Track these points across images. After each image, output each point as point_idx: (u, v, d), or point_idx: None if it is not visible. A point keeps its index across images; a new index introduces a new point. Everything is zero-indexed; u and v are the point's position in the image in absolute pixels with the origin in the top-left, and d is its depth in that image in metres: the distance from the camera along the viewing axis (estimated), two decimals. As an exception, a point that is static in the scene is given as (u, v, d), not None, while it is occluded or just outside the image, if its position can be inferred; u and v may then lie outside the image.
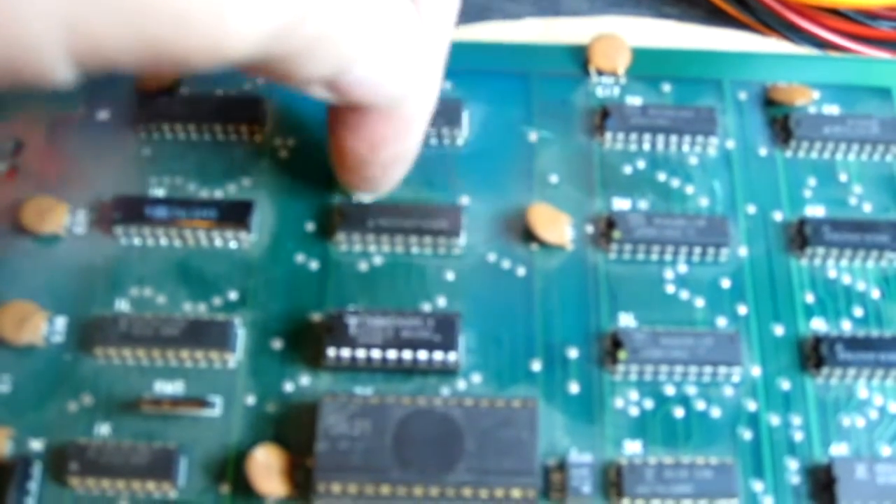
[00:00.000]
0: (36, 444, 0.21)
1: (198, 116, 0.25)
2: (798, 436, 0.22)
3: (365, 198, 0.24)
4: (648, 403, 0.22)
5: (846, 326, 0.23)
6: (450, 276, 0.23)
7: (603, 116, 0.25)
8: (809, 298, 0.23)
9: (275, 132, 0.25)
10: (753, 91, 0.26)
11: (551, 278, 0.23)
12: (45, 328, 0.23)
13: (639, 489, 0.21)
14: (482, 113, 0.25)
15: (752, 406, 0.22)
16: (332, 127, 0.22)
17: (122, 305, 0.23)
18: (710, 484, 0.21)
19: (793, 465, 0.21)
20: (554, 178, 0.25)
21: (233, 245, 0.24)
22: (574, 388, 0.22)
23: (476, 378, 0.22)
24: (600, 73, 0.26)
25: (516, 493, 0.20)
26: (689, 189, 0.25)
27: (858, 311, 0.23)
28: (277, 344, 0.23)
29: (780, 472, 0.21)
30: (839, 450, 0.22)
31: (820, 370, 0.22)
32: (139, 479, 0.21)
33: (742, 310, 0.23)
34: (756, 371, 0.22)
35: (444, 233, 0.23)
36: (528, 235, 0.24)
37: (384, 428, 0.21)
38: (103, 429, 0.22)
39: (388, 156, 0.22)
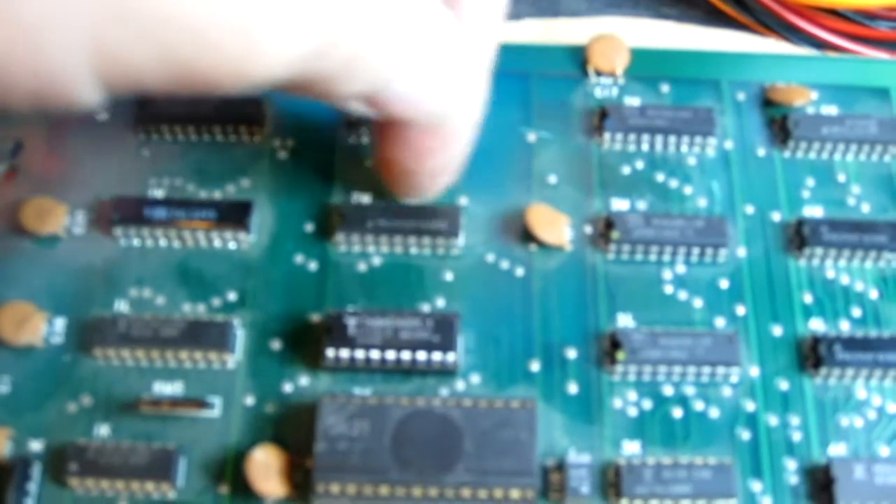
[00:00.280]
0: (35, 445, 0.22)
1: (197, 117, 0.25)
2: (796, 436, 0.22)
3: (364, 198, 0.24)
4: (647, 404, 0.22)
5: (844, 327, 0.23)
6: (448, 276, 0.23)
7: (601, 117, 0.25)
8: (808, 299, 0.23)
9: (274, 133, 0.25)
10: (752, 91, 0.26)
11: (550, 279, 0.23)
12: (44, 329, 0.23)
13: (637, 489, 0.21)
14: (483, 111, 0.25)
15: (750, 406, 0.22)
16: (376, 137, 0.22)
17: (122, 306, 0.23)
18: (708, 484, 0.21)
19: (791, 465, 0.22)
20: (553, 179, 0.25)
21: (232, 246, 0.24)
22: (573, 388, 0.22)
23: (475, 378, 0.22)
24: (599, 73, 0.26)
25: (515, 493, 0.20)
26: (688, 189, 0.25)
27: (857, 312, 0.23)
28: (276, 344, 0.23)
29: (779, 472, 0.21)
30: (837, 450, 0.22)
31: (818, 370, 0.22)
32: (138, 480, 0.21)
33: (740, 310, 0.23)
34: (754, 371, 0.22)
35: (443, 233, 0.23)
36: (527, 236, 0.24)
37: (383, 428, 0.21)
38: (102, 429, 0.22)
39: (434, 166, 0.22)
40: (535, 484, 0.20)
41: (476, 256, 0.24)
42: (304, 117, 0.25)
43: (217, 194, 0.24)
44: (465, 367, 0.22)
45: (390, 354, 0.22)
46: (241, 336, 0.23)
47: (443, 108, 0.21)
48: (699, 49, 0.27)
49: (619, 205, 0.24)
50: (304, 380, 0.22)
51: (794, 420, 0.22)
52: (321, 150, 0.25)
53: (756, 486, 0.21)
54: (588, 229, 0.24)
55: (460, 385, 0.22)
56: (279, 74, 0.16)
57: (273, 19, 0.15)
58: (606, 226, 0.24)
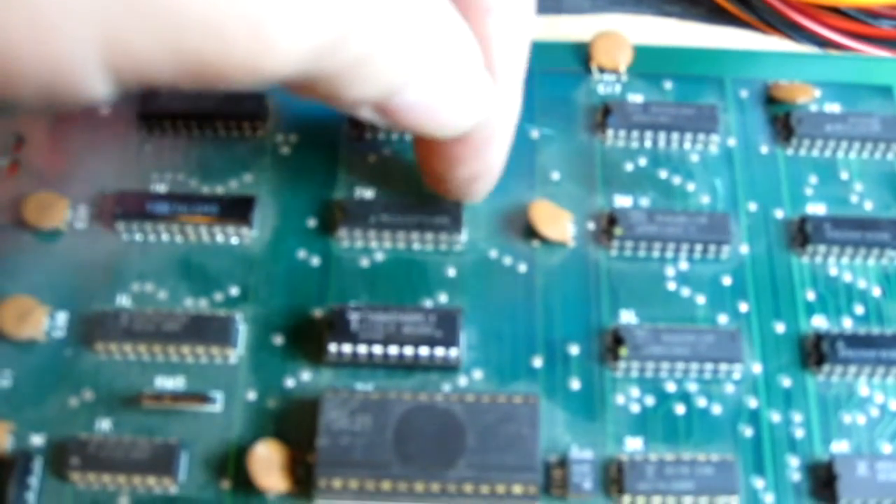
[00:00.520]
0: (37, 439, 0.21)
1: (199, 112, 0.25)
2: (799, 433, 0.22)
3: (367, 193, 0.24)
4: (649, 400, 0.22)
5: (847, 324, 0.23)
6: (451, 272, 0.23)
7: (604, 114, 0.25)
8: (810, 296, 0.23)
9: (276, 128, 0.25)
10: (755, 89, 0.26)
11: (553, 275, 0.23)
12: (46, 323, 0.23)
13: (640, 486, 0.21)
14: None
15: (752, 403, 0.22)
16: (414, 142, 0.22)
17: (124, 301, 0.23)
18: (711, 481, 0.21)
19: (794, 462, 0.21)
20: (556, 175, 0.25)
21: (234, 241, 0.24)
22: (575, 384, 0.22)
23: (477, 374, 0.22)
24: (602, 70, 0.26)
25: (517, 489, 0.20)
26: (691, 186, 0.25)
27: (859, 309, 0.23)
28: (279, 339, 0.23)
29: (781, 469, 0.21)
30: (840, 447, 0.22)
31: (821, 367, 0.22)
32: (140, 475, 0.21)
33: (743, 307, 0.23)
34: (757, 368, 0.22)
35: (446, 229, 0.23)
36: (530, 232, 0.24)
37: (385, 423, 0.21)
38: (104, 424, 0.22)
39: (466, 174, 0.22)
40: (538, 479, 0.20)
41: (479, 252, 0.24)
42: (306, 113, 0.25)
43: (219, 189, 0.24)
44: (468, 362, 0.22)
45: (393, 350, 0.22)
46: (243, 331, 0.23)
47: (460, 121, 0.20)
48: (702, 47, 0.27)
49: (622, 201, 0.24)
50: (306, 375, 0.22)
51: (797, 417, 0.22)
52: (324, 145, 0.25)
53: (759, 482, 0.21)
54: (591, 226, 0.24)
55: (463, 381, 0.22)
56: (290, 70, 0.16)
57: (285, 13, 0.15)
58: (609, 222, 0.24)
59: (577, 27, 0.29)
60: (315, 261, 0.24)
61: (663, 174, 0.25)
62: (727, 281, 0.23)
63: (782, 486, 0.21)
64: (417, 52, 0.18)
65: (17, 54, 0.14)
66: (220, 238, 0.24)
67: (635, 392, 0.22)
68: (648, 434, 0.22)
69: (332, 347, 0.22)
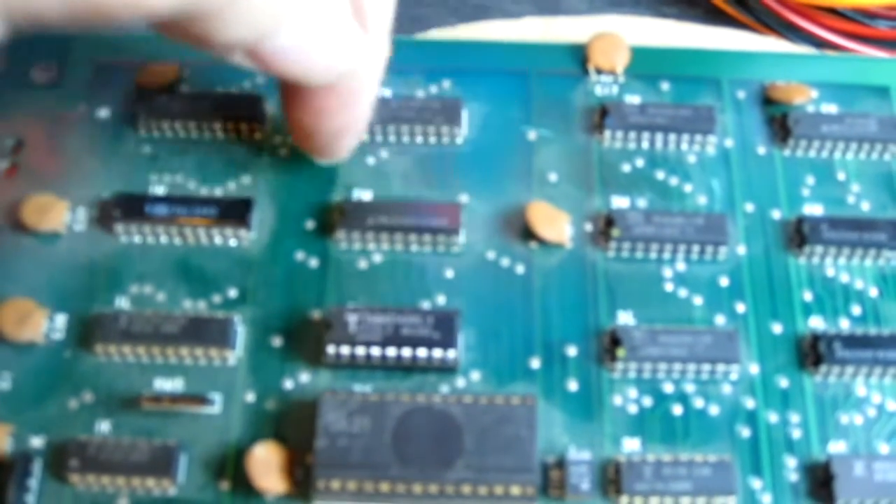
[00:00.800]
0: (36, 441, 0.22)
1: (198, 114, 0.25)
2: (796, 433, 0.22)
3: (365, 195, 0.24)
4: (647, 401, 0.22)
5: (844, 324, 0.23)
6: (449, 273, 0.23)
7: (602, 115, 0.25)
8: (808, 296, 0.23)
9: (275, 130, 0.25)
10: (752, 90, 0.26)
11: (550, 276, 0.23)
12: (45, 325, 0.23)
13: (637, 486, 0.21)
14: (481, 111, 0.26)
15: (750, 404, 0.22)
16: (281, 96, 0.22)
17: (123, 303, 0.23)
18: (708, 481, 0.21)
19: (791, 462, 0.22)
20: (553, 177, 0.25)
21: (233, 243, 0.24)
22: (573, 385, 0.22)
23: (475, 375, 0.22)
24: (599, 71, 0.26)
25: (515, 490, 0.20)
26: (688, 187, 0.25)
27: (856, 310, 0.23)
28: (277, 341, 0.23)
29: (779, 469, 0.21)
30: (837, 447, 0.22)
31: (818, 368, 0.22)
32: (139, 476, 0.21)
33: (740, 308, 0.23)
34: (754, 369, 0.23)
35: (444, 231, 0.23)
36: (528, 233, 0.24)
37: (383, 425, 0.21)
38: (103, 426, 0.22)
39: (334, 126, 0.22)
40: (536, 480, 0.20)
41: (477, 254, 0.24)
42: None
43: (218, 191, 0.24)
44: (466, 364, 0.22)
45: (391, 351, 0.22)
46: (241, 333, 0.23)
47: (330, 67, 0.20)
48: (699, 48, 0.27)
49: (620, 202, 0.24)
50: (304, 376, 0.22)
51: (794, 417, 0.22)
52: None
53: (756, 483, 0.21)
54: (588, 227, 0.24)
55: (461, 382, 0.22)
56: (170, 5, 0.16)
57: None
58: (607, 223, 0.24)
59: (575, 28, 0.29)
60: (313, 263, 0.24)
61: (660, 175, 0.25)
62: (724, 282, 0.24)
63: (779, 487, 0.21)
64: None
65: None
66: (218, 240, 0.24)
67: (633, 393, 0.22)
68: (646, 435, 0.22)
69: (331, 349, 0.22)
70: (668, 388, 0.22)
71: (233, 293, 0.23)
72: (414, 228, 0.23)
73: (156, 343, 0.22)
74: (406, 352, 0.22)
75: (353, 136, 0.23)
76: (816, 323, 0.23)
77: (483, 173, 0.25)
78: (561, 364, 0.23)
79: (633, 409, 0.22)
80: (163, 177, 0.25)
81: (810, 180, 0.25)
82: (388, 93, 0.25)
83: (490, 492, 0.20)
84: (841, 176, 0.25)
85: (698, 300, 0.23)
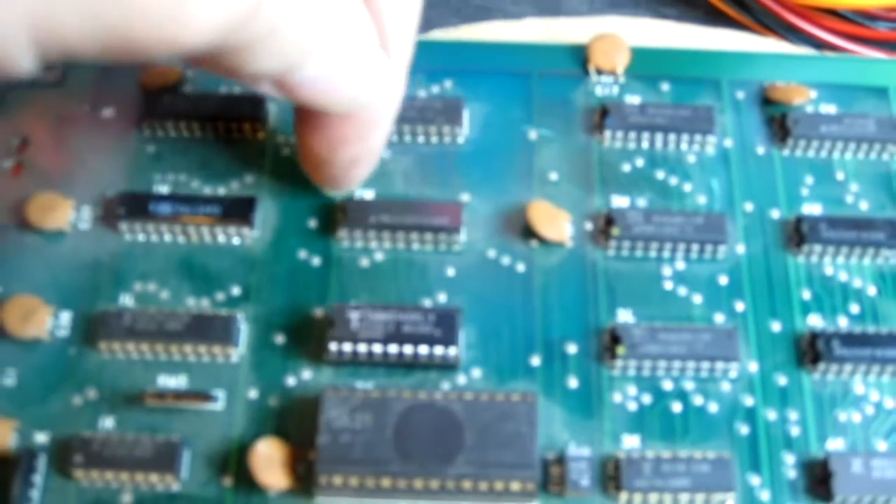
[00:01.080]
0: (41, 437, 0.22)
1: (201, 114, 0.25)
2: (795, 431, 0.22)
3: (367, 194, 0.24)
4: (646, 398, 0.22)
5: (843, 323, 0.23)
6: (450, 272, 0.24)
7: (602, 115, 0.25)
8: (806, 295, 0.24)
9: (277, 130, 0.25)
10: (751, 90, 0.26)
11: (551, 275, 0.24)
12: (50, 322, 0.23)
13: (637, 483, 0.21)
14: (483, 111, 0.26)
15: (749, 401, 0.22)
16: (295, 124, 0.22)
17: (127, 300, 0.23)
18: (707, 478, 0.21)
19: (789, 459, 0.22)
20: (554, 176, 0.25)
21: (236, 241, 0.24)
22: (573, 382, 0.22)
23: (476, 373, 0.23)
24: (600, 72, 0.26)
25: (515, 485, 0.21)
26: (688, 187, 0.25)
27: (855, 308, 0.23)
28: (280, 338, 0.23)
29: (777, 466, 0.22)
30: (835, 445, 0.22)
31: (816, 366, 0.22)
32: (143, 472, 0.21)
33: (739, 306, 0.23)
34: (753, 367, 0.23)
35: (445, 229, 0.23)
36: (528, 232, 0.24)
37: (385, 421, 0.21)
38: (107, 422, 0.22)
39: (348, 156, 0.22)
40: (536, 477, 0.21)
41: (478, 252, 0.24)
42: (307, 114, 0.25)
43: (221, 190, 0.25)
44: (467, 361, 0.23)
45: (392, 348, 0.22)
46: (244, 330, 0.23)
47: (356, 97, 0.20)
48: (699, 48, 0.27)
49: (620, 202, 0.25)
50: (307, 373, 0.22)
51: (793, 415, 0.22)
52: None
53: (754, 479, 0.21)
54: (588, 226, 0.24)
55: (462, 379, 0.22)
56: (205, 41, 0.16)
57: None
58: (607, 222, 0.24)
59: (575, 29, 0.29)
60: (316, 261, 0.24)
61: (660, 175, 0.25)
62: (724, 280, 0.24)
63: (778, 484, 0.21)
64: (318, 27, 0.18)
65: None
66: (221, 238, 0.24)
67: (632, 390, 0.22)
68: (645, 432, 0.22)
69: (333, 346, 0.22)
70: (668, 385, 0.22)
71: (236, 291, 0.23)
72: (415, 227, 0.23)
73: (159, 340, 0.22)
74: (407, 349, 0.22)
75: (366, 166, 0.23)
76: (815, 321, 0.23)
77: (484, 172, 0.25)
78: (561, 361, 0.23)
79: (632, 406, 0.22)
80: (166, 176, 0.25)
81: (809, 180, 0.25)
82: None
83: (490, 487, 0.21)
84: (840, 176, 0.25)
85: (698, 298, 0.23)
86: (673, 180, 0.25)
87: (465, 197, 0.25)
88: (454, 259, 0.24)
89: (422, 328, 0.22)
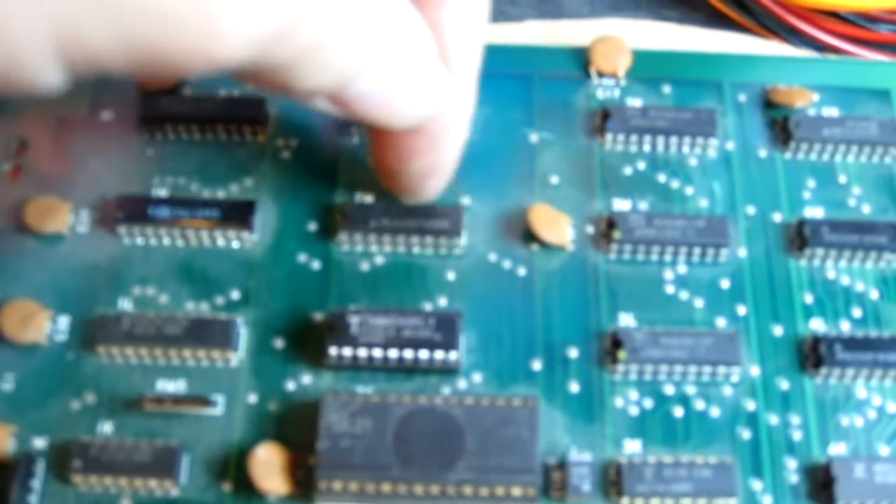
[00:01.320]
0: (39, 442, 0.22)
1: (201, 117, 0.25)
2: (797, 435, 0.22)
3: (367, 198, 0.24)
4: (648, 403, 0.22)
5: (845, 327, 0.23)
6: (451, 275, 0.24)
7: (603, 118, 0.25)
8: (808, 299, 0.23)
9: (277, 133, 0.25)
10: (753, 93, 0.26)
11: (552, 278, 0.24)
12: (48, 327, 0.23)
13: (638, 488, 0.21)
14: (484, 114, 0.26)
15: (751, 406, 0.22)
16: (366, 137, 0.22)
17: (125, 304, 0.23)
18: (709, 483, 0.21)
19: (791, 464, 0.22)
20: (555, 179, 0.25)
21: (235, 245, 0.24)
22: (574, 387, 0.22)
23: (477, 377, 0.22)
24: (601, 74, 0.26)
25: (517, 491, 0.20)
26: (689, 190, 0.25)
27: (857, 312, 0.23)
28: (279, 343, 0.23)
29: (779, 471, 0.22)
30: (838, 449, 0.22)
31: (819, 370, 0.22)
32: (142, 477, 0.21)
33: (741, 310, 0.23)
34: (755, 371, 0.23)
35: (446, 233, 0.23)
36: (529, 236, 0.24)
37: (385, 426, 0.21)
38: (106, 427, 0.22)
39: (419, 168, 0.22)
40: (537, 482, 0.21)
41: (478, 256, 0.24)
42: (306, 117, 0.25)
43: (220, 193, 0.25)
44: (467, 365, 0.23)
45: (393, 353, 0.22)
46: (244, 334, 0.23)
47: (414, 112, 0.20)
48: (701, 51, 0.27)
49: (621, 205, 0.25)
50: (306, 378, 0.22)
51: (795, 419, 0.22)
52: (324, 149, 0.25)
53: (756, 484, 0.21)
54: (590, 229, 0.24)
55: (462, 384, 0.22)
56: (240, 57, 0.16)
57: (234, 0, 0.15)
58: (608, 226, 0.24)
59: (577, 32, 0.29)
60: (315, 265, 0.24)
61: (662, 178, 0.25)
62: (725, 284, 0.24)
63: (780, 489, 0.21)
64: (369, 42, 0.18)
65: None
66: (221, 242, 0.24)
67: (634, 395, 0.22)
68: (647, 436, 0.22)
69: (333, 351, 0.22)
70: (669, 389, 0.22)
71: (235, 295, 0.23)
72: (416, 230, 0.23)
73: (158, 344, 0.22)
74: (408, 353, 0.22)
75: (440, 177, 0.23)
76: (817, 325, 0.23)
77: (485, 176, 0.25)
78: (562, 366, 0.23)
79: (634, 410, 0.22)
80: (165, 179, 0.25)
81: (811, 183, 0.25)
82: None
83: (491, 493, 0.20)
84: (842, 179, 0.25)
85: (699, 302, 0.23)
86: (675, 183, 0.25)
87: (465, 200, 0.24)
88: (455, 263, 0.24)
89: (422, 332, 0.22)
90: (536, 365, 0.23)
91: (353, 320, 0.22)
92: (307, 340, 0.23)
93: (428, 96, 0.20)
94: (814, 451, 0.22)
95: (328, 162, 0.25)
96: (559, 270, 0.24)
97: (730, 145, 0.25)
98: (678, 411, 0.22)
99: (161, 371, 0.22)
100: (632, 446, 0.22)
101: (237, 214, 0.24)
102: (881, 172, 0.25)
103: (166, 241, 0.24)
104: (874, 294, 0.24)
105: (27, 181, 0.25)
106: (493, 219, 0.24)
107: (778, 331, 0.23)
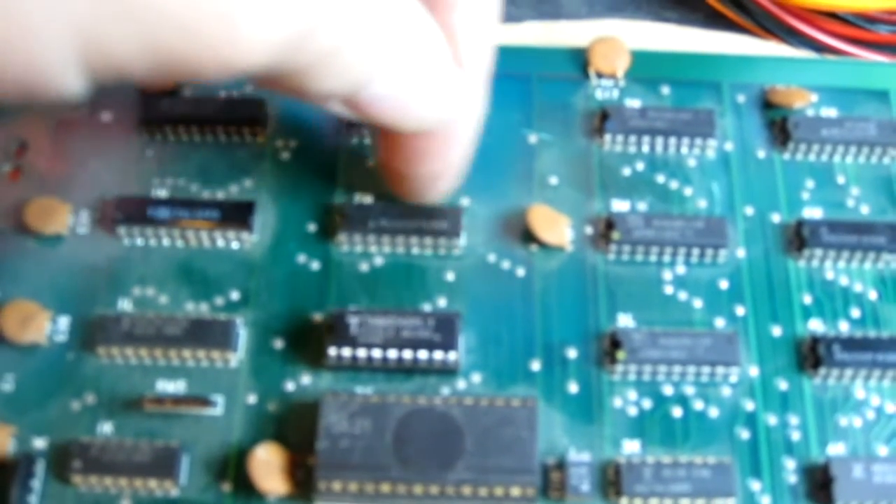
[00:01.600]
0: (39, 443, 0.22)
1: (200, 118, 0.25)
2: (795, 435, 0.22)
3: (366, 198, 0.24)
4: (647, 403, 0.22)
5: (843, 327, 0.23)
6: (450, 276, 0.24)
7: (602, 118, 0.25)
8: (807, 299, 0.23)
9: (276, 133, 0.25)
10: (752, 94, 0.26)
11: (551, 279, 0.24)
12: (48, 327, 0.23)
13: (637, 488, 0.21)
14: (483, 115, 0.26)
15: (749, 406, 0.22)
16: (372, 140, 0.22)
17: (125, 305, 0.23)
18: (707, 483, 0.21)
19: (790, 464, 0.22)
20: (553, 180, 0.25)
21: (235, 245, 0.24)
22: (573, 387, 0.22)
23: (476, 377, 0.22)
24: (600, 75, 0.26)
25: (515, 491, 0.20)
26: (688, 191, 0.25)
27: (856, 312, 0.23)
28: (279, 343, 0.23)
29: (778, 471, 0.22)
30: (836, 449, 0.22)
31: (817, 370, 0.22)
32: (141, 478, 0.21)
33: (740, 310, 0.23)
34: (754, 371, 0.23)
35: (445, 233, 0.23)
36: (528, 236, 0.24)
37: (384, 426, 0.21)
38: (106, 427, 0.22)
39: (427, 171, 0.22)
40: (536, 482, 0.21)
41: (477, 256, 0.24)
42: (306, 118, 0.25)
43: (220, 194, 0.25)
44: (467, 366, 0.23)
45: (392, 353, 0.22)
46: (243, 335, 0.23)
47: (428, 115, 0.20)
48: (700, 52, 0.27)
49: (620, 206, 0.25)
50: (306, 378, 0.22)
51: (793, 420, 0.22)
52: (323, 150, 0.25)
53: (755, 485, 0.21)
54: (589, 230, 0.24)
55: (461, 384, 0.22)
56: (259, 63, 0.16)
57: (253, 6, 0.15)
58: (607, 226, 0.24)
59: (575, 33, 0.29)
60: (315, 265, 0.24)
61: (661, 179, 0.25)
62: (724, 285, 0.24)
63: (779, 489, 0.21)
64: (384, 46, 0.18)
65: None
66: (220, 243, 0.24)
67: (633, 395, 0.22)
68: (646, 437, 0.22)
69: (332, 351, 0.22)
70: (668, 390, 0.22)
71: (235, 296, 0.23)
72: (415, 231, 0.23)
73: (158, 345, 0.22)
74: (407, 354, 0.22)
75: (448, 181, 0.23)
76: (816, 326, 0.23)
77: (484, 176, 0.25)
78: (561, 366, 0.23)
79: (632, 411, 0.22)
80: (165, 180, 0.25)
81: (810, 184, 0.25)
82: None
83: (490, 493, 0.20)
84: (840, 179, 0.25)
85: (698, 303, 0.23)
86: (673, 184, 0.25)
87: (464, 201, 0.25)
88: (454, 263, 0.24)
89: (421, 333, 0.22)
90: (535, 365, 0.23)
91: (353, 321, 0.22)
92: (306, 341, 0.23)
93: (442, 99, 0.20)
94: (812, 452, 0.22)
95: (327, 163, 0.25)
96: (558, 271, 0.24)
97: (728, 146, 0.25)
98: (677, 411, 0.22)
99: (161, 371, 0.22)
100: (630, 446, 0.22)
101: (237, 215, 0.24)
102: (880, 173, 0.25)
103: (166, 241, 0.24)
104: (873, 294, 0.24)
105: (27, 182, 0.25)
106: (492, 219, 0.24)
107: (776, 331, 0.23)
